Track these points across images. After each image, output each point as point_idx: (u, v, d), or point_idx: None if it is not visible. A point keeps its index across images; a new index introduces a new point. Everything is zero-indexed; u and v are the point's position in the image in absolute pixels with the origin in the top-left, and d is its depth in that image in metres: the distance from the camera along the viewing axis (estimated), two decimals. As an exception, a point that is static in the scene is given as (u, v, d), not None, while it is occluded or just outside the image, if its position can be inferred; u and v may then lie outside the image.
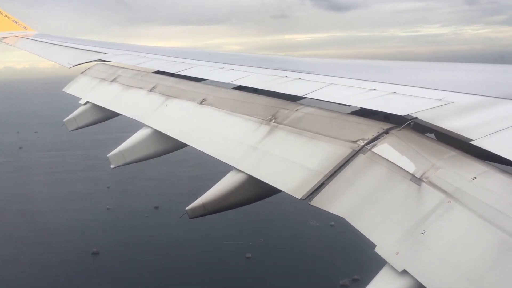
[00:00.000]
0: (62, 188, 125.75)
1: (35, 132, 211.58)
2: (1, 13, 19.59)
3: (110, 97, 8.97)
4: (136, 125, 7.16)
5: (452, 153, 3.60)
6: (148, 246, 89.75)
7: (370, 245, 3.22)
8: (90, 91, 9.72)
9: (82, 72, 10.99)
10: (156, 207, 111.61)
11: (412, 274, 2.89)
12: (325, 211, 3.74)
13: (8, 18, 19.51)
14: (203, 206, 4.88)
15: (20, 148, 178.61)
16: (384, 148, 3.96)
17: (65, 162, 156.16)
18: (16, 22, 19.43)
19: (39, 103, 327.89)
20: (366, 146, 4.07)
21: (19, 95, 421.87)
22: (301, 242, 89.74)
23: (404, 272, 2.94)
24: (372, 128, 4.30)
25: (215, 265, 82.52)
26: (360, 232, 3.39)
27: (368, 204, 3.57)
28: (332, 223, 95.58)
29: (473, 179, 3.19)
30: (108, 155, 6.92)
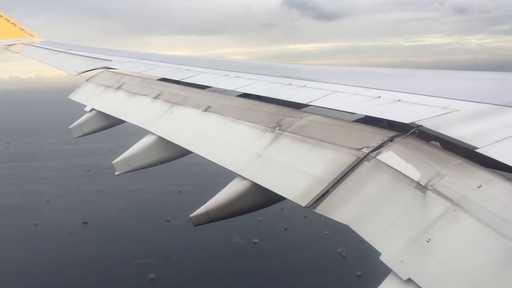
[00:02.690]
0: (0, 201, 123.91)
1: (7, 143, 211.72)
2: (8, 21, 19.73)
3: (115, 104, 9.01)
4: (141, 132, 7.19)
5: (457, 161, 3.59)
6: (54, 265, 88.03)
7: (375, 253, 3.20)
8: (95, 98, 9.77)
9: (87, 80, 11.05)
10: (85, 222, 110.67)
11: (417, 283, 2.88)
12: (330, 218, 3.73)
13: (15, 25, 19.66)
14: (207, 213, 4.87)
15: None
16: (389, 156, 3.95)
17: (17, 174, 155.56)
18: (22, 30, 19.58)
19: (29, 113, 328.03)
20: (370, 154, 4.06)
21: (14, 105, 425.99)
22: (215, 261, 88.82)
23: (409, 280, 2.92)
24: (377, 135, 4.30)
25: (115, 286, 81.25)
26: (365, 240, 3.38)
27: (373, 212, 3.56)
28: (255, 240, 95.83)
29: (479, 187, 3.18)
30: (113, 162, 6.94)
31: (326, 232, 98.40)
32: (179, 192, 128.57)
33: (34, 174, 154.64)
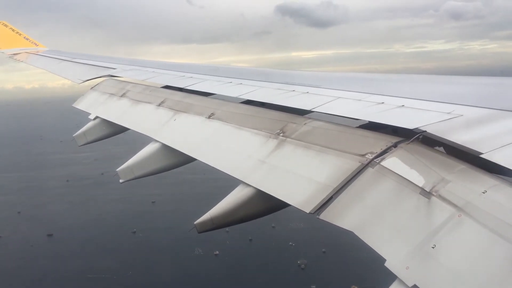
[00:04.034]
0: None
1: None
2: (13, 30, 19.90)
3: (119, 112, 9.04)
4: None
5: (461, 166, 3.58)
6: (7, 281, 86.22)
7: (380, 260, 3.19)
8: (99, 106, 9.81)
9: (91, 88, 11.11)
10: (50, 235, 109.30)
11: None
12: (335, 225, 3.72)
13: (20, 34, 19.82)
14: (211, 220, 4.87)
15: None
16: (393, 162, 3.94)
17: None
18: (27, 39, 19.72)
19: (24, 122, 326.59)
20: (374, 160, 4.05)
21: (12, 115, 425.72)
22: (171, 275, 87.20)
23: (415, 287, 2.90)
24: (381, 141, 4.29)
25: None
26: (370, 246, 3.36)
27: (377, 218, 3.54)
28: (216, 252, 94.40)
29: (484, 192, 3.16)
30: (117, 169, 6.95)
31: (290, 243, 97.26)
32: (153, 202, 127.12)
33: (13, 184, 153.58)
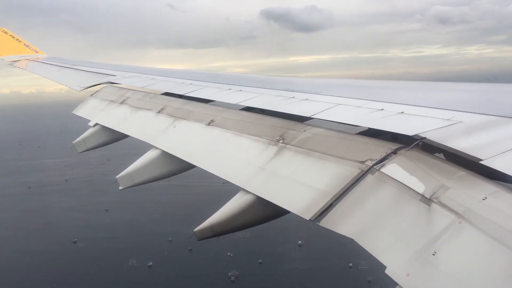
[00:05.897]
0: None
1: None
2: (13, 37, 19.94)
3: (119, 119, 9.05)
4: (145, 147, 7.17)
5: (461, 173, 3.58)
6: None
7: (380, 267, 3.18)
8: (99, 113, 9.82)
9: (91, 95, 11.12)
10: None
11: None
12: (335, 232, 3.71)
13: (20, 41, 19.85)
14: (211, 227, 4.85)
15: None
16: (393, 168, 3.94)
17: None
18: (27, 46, 19.76)
19: (8, 128, 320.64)
20: (374, 166, 4.05)
21: (1, 120, 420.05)
22: (99, 287, 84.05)
23: None
24: (380, 148, 4.29)
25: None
26: (370, 253, 3.36)
27: (377, 225, 3.54)
28: (150, 263, 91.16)
29: (484, 199, 3.16)
30: (117, 176, 6.93)
31: (229, 253, 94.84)
32: (106, 210, 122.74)
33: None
